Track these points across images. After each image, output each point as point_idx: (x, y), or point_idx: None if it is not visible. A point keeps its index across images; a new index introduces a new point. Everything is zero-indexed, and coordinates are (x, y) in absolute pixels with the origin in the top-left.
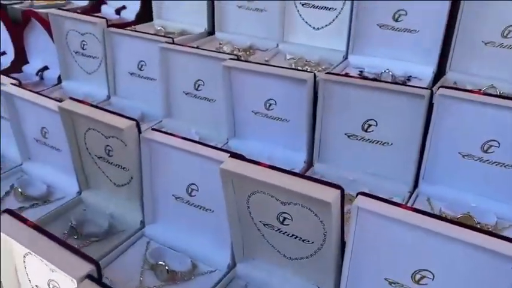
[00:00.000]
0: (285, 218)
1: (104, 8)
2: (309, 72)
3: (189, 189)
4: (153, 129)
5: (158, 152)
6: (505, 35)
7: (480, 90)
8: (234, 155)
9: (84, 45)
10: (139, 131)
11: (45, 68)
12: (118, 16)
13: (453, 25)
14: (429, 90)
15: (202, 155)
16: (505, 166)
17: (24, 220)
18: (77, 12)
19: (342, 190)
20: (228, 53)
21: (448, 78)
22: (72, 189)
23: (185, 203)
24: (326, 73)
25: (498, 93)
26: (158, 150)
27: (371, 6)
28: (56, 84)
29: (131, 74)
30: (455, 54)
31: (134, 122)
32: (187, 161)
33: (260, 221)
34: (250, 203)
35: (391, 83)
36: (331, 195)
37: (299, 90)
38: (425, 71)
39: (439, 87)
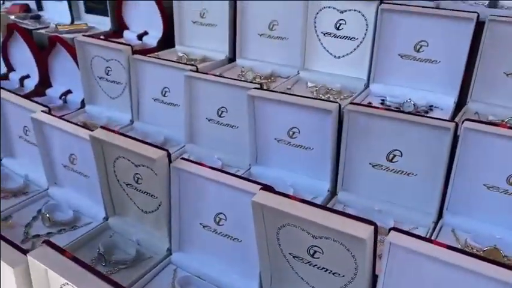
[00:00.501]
0: (315, 251)
1: (126, 33)
2: (333, 102)
3: (217, 218)
4: (182, 158)
5: (187, 181)
6: None
7: (503, 121)
8: (265, 188)
9: (108, 71)
10: (170, 161)
11: (69, 91)
12: (140, 42)
13: (475, 56)
14: (454, 123)
15: (231, 186)
16: None
17: (62, 251)
18: (101, 39)
19: (376, 226)
20: (250, 81)
21: (469, 108)
22: (98, 215)
23: (212, 232)
24: (351, 103)
25: None
26: (187, 179)
27: (392, 36)
28: (80, 108)
29: (155, 99)
30: (476, 85)
31: (165, 152)
32: (216, 191)
33: (290, 253)
34: (280, 235)
35: (416, 114)
36: (365, 232)
37: (323, 120)
38: (446, 100)
39: (463, 120)
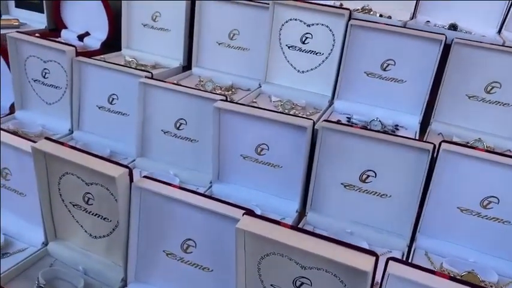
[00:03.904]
0: (302, 283)
1: (64, 33)
2: (307, 118)
3: (185, 245)
4: (145, 176)
5: (151, 203)
6: (488, 90)
7: (467, 143)
8: (249, 212)
9: (46, 73)
10: (131, 180)
11: None
12: (81, 43)
13: (439, 77)
14: (432, 145)
15: (204, 208)
16: (503, 222)
17: None
18: (37, 36)
19: (377, 257)
20: (210, 92)
21: (433, 129)
22: (35, 240)
23: (178, 261)
24: (324, 120)
25: (485, 146)
26: (151, 200)
27: (360, 53)
28: (8, 114)
29: (99, 107)
30: (440, 106)
31: (126, 169)
32: (185, 214)
33: (272, 285)
34: (262, 265)
35: (392, 134)
36: (367, 263)
37: (296, 137)
38: (411, 120)
39: (441, 142)
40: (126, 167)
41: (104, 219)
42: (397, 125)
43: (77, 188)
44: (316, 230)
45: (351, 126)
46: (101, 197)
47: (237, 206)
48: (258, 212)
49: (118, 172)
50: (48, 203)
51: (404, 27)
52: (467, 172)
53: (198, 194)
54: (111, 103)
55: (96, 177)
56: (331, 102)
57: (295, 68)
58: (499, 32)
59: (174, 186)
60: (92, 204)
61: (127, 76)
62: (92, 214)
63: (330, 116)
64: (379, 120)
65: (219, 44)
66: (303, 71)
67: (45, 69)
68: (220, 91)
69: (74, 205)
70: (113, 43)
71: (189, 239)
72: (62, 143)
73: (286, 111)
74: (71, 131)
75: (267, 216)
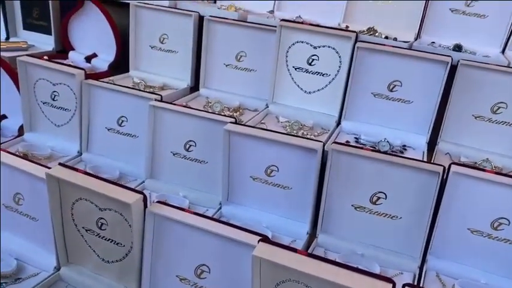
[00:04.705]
0: None
1: (72, 54)
2: (317, 141)
3: (198, 270)
4: (159, 202)
5: (165, 228)
6: (494, 110)
7: (475, 163)
8: (265, 239)
9: (55, 95)
10: (146, 205)
11: (3, 116)
12: (89, 64)
13: (446, 98)
14: (442, 167)
15: (218, 234)
16: None
17: None
18: (45, 59)
19: (394, 284)
20: (218, 113)
21: (440, 149)
22: (47, 265)
23: (192, 286)
24: (334, 142)
25: (493, 166)
26: (165, 226)
27: (367, 75)
28: (17, 136)
29: (109, 129)
30: (447, 126)
31: (141, 195)
32: (199, 240)
33: None
34: None
35: (402, 157)
36: None
37: (306, 158)
38: (418, 140)
39: (450, 164)
40: (140, 193)
41: (117, 244)
42: (404, 145)
43: (91, 213)
44: (327, 252)
45: (361, 148)
46: (114, 222)
47: (251, 231)
48: (269, 235)
49: (133, 199)
50: (61, 227)
51: (410, 48)
52: (477, 194)
53: (211, 219)
54: (120, 125)
55: (110, 203)
56: (338, 122)
57: (302, 89)
58: (503, 51)
59: (188, 211)
60: (105, 229)
61: (136, 98)
62: (105, 239)
63: (338, 136)
64: (387, 141)
65: (227, 65)
66: (309, 92)
67: (54, 91)
68: (228, 112)
69: (86, 230)
70: (120, 64)
71: (203, 264)
72: (76, 169)
73: (294, 131)
74: (80, 153)
75: (277, 239)
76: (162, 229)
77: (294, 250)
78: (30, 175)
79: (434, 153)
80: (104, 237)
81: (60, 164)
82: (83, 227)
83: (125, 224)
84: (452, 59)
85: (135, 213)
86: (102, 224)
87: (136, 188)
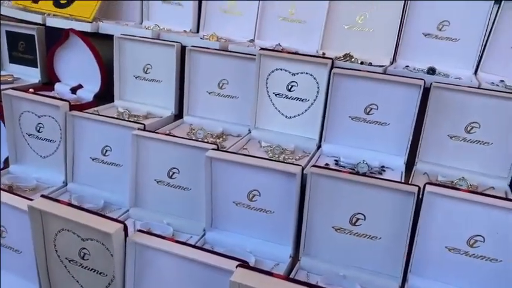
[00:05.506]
0: None
1: (58, 86)
2: (296, 165)
3: None
4: (139, 230)
5: (146, 257)
6: (468, 130)
7: (452, 182)
8: (242, 265)
9: (40, 127)
10: (127, 235)
11: None
12: (74, 95)
13: (421, 119)
14: (417, 187)
15: (201, 262)
16: (491, 260)
17: None
18: (30, 92)
19: None
20: (201, 140)
21: (418, 169)
22: None
23: None
24: (313, 166)
25: (469, 185)
26: (146, 255)
27: (344, 99)
28: (3, 168)
29: (93, 159)
30: (423, 147)
31: (121, 225)
32: (181, 268)
33: None
34: None
35: (378, 178)
36: None
37: (286, 182)
38: (396, 161)
39: (425, 184)
40: (121, 222)
41: (100, 273)
42: (383, 166)
43: (73, 243)
44: (310, 274)
45: (339, 170)
46: (96, 252)
47: (230, 257)
48: (252, 259)
49: (114, 228)
50: (44, 259)
51: (384, 73)
52: (452, 212)
53: (192, 247)
54: (104, 155)
55: (92, 233)
56: (319, 145)
57: (282, 114)
58: (475, 72)
59: (169, 239)
60: (87, 259)
61: (120, 128)
62: (88, 269)
63: (319, 159)
64: (366, 163)
65: (209, 93)
66: (290, 117)
67: (39, 123)
68: (211, 138)
69: (69, 260)
70: (105, 95)
71: None
72: (58, 200)
73: (276, 156)
74: (65, 183)
75: (260, 263)
76: (143, 258)
77: (271, 274)
78: (14, 208)
79: (412, 173)
80: (86, 267)
81: (42, 195)
82: (66, 258)
83: (106, 254)
84: (425, 82)
85: (116, 243)
86: (84, 254)
87: (120, 217)
